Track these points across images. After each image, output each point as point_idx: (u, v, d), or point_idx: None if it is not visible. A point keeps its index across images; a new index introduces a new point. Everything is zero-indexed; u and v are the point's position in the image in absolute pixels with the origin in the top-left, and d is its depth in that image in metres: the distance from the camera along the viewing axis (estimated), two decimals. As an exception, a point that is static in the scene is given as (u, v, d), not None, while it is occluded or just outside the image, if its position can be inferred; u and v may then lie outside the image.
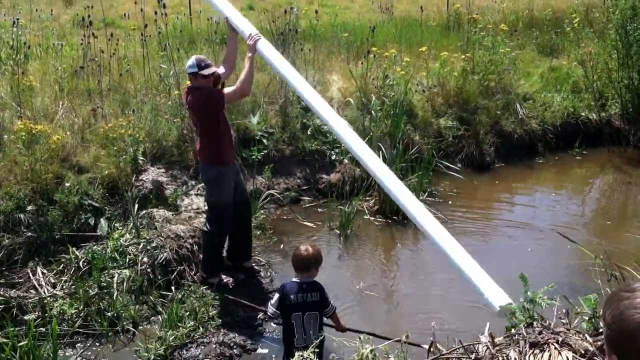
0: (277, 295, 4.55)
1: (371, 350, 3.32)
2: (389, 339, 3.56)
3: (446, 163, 8.64)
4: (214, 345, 5.26)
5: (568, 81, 11.03)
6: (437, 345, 4.17)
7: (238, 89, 5.86)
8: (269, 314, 4.64)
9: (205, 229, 6.03)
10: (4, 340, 4.95)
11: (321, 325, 4.60)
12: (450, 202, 8.26)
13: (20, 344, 4.93)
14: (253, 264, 6.44)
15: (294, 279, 4.61)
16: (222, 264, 6.19)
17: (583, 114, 10.49)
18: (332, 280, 6.36)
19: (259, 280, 6.28)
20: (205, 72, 5.66)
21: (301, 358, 3.29)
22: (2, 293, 5.52)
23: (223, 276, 6.10)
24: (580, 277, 6.26)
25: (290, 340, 4.46)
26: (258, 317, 5.60)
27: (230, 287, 6.01)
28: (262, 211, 7.36)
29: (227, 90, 5.88)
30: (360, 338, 3.52)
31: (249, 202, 6.39)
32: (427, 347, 4.23)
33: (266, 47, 5.76)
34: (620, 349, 1.62)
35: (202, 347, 5.24)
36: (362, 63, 9.60)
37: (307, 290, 4.52)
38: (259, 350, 5.30)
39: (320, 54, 10.55)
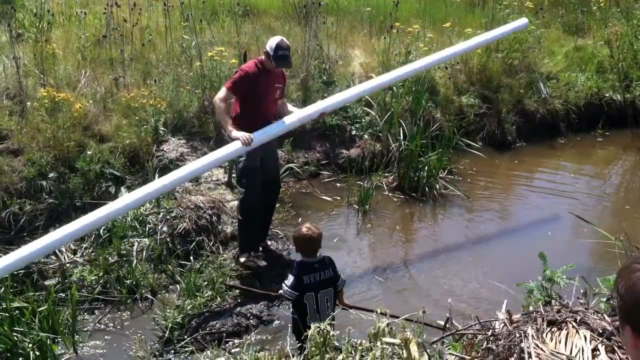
0: (292, 276, 4.44)
1: (387, 324, 3.32)
2: (397, 317, 3.54)
3: (467, 141, 8.57)
4: (231, 315, 5.30)
5: (593, 61, 10.88)
6: (453, 321, 4.19)
7: (214, 105, 5.89)
8: (285, 295, 4.46)
9: (238, 204, 6.03)
10: (24, 304, 5.02)
11: (335, 300, 4.55)
12: (469, 181, 8.23)
13: (40, 308, 5.00)
14: (268, 242, 6.39)
15: (304, 259, 4.54)
16: (252, 241, 6.06)
17: (607, 94, 10.37)
18: (349, 256, 6.41)
19: (276, 252, 6.30)
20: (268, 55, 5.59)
21: (317, 329, 3.29)
22: (23, 258, 5.59)
23: (250, 258, 6.01)
24: (599, 258, 6.24)
25: (302, 320, 4.27)
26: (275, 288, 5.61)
27: (253, 268, 5.94)
28: (281, 184, 7.37)
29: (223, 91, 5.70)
30: (377, 311, 3.52)
31: (277, 182, 6.29)
32: (442, 323, 4.25)
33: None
34: (633, 320, 1.62)
35: (219, 316, 5.28)
36: (384, 38, 9.52)
37: (319, 269, 4.45)
38: (275, 322, 5.33)
39: (342, 28, 10.46)
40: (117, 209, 5.06)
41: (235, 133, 5.45)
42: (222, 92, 5.64)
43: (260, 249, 6.21)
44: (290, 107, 6.05)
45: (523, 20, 7.80)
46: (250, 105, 5.65)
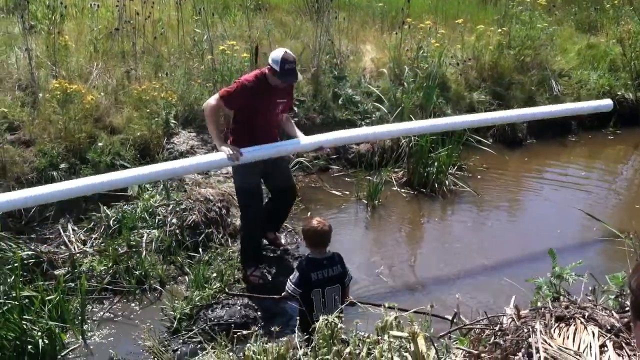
0: (297, 273, 4.43)
1: (395, 318, 3.32)
2: (405, 310, 3.54)
3: (477, 137, 8.55)
4: (239, 307, 5.31)
5: (605, 59, 10.83)
6: (461, 316, 4.19)
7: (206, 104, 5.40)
8: (289, 292, 4.44)
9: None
10: (34, 293, 5.05)
11: (343, 295, 4.54)
12: (479, 177, 8.21)
13: (49, 297, 5.03)
14: (278, 236, 6.29)
15: (311, 255, 4.52)
16: (256, 256, 5.80)
17: (619, 93, 10.31)
18: (358, 251, 6.41)
19: (285, 246, 6.31)
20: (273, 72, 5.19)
21: (325, 321, 3.30)
22: (33, 248, 5.64)
23: (255, 272, 5.70)
24: (608, 256, 6.21)
25: (309, 315, 4.17)
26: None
27: (257, 282, 5.65)
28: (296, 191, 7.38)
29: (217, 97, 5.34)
30: (384, 305, 3.52)
31: (291, 189, 5.94)
32: (450, 317, 4.25)
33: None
34: None
35: (227, 308, 5.29)
36: (396, 34, 9.50)
37: (328, 265, 4.44)
38: (283, 314, 5.33)
39: (354, 23, 10.46)
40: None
41: (223, 148, 5.23)
42: (213, 100, 5.27)
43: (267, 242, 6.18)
44: (293, 126, 5.79)
45: (607, 102, 7.22)
46: (248, 120, 5.35)
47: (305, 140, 5.70)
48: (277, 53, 5.13)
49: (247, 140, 5.35)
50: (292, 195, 5.99)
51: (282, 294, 4.58)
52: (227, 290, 5.34)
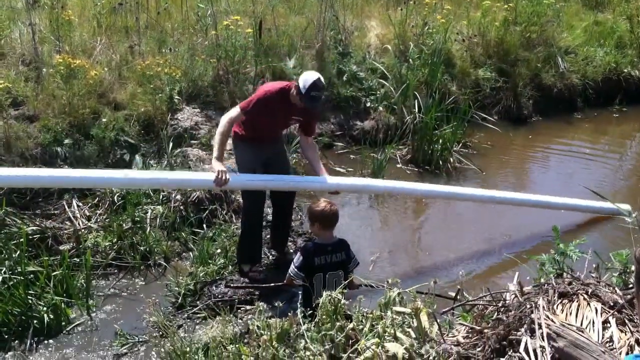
0: (300, 257, 4.41)
1: (398, 294, 3.33)
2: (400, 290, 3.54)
3: (482, 115, 8.53)
4: (243, 284, 5.33)
5: (612, 36, 10.76)
6: (464, 293, 4.20)
7: (222, 119, 5.13)
8: (291, 275, 4.43)
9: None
10: (39, 268, 5.09)
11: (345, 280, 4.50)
12: (484, 154, 8.19)
13: (55, 273, 5.07)
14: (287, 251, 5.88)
15: (317, 241, 4.51)
16: (251, 252, 5.51)
17: (625, 70, 10.27)
18: (361, 230, 6.41)
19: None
20: (299, 96, 4.91)
21: (329, 298, 3.31)
22: (38, 223, 5.65)
23: (254, 268, 5.49)
24: (612, 234, 6.21)
25: (309, 300, 4.17)
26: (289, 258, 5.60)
27: (258, 277, 5.40)
28: (294, 155, 7.36)
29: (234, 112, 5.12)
30: (388, 281, 3.52)
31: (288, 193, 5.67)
32: (453, 294, 4.26)
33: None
34: None
35: (232, 283, 5.31)
36: (401, 9, 9.43)
37: (332, 251, 4.43)
38: (287, 291, 5.34)
39: (359, -2, 10.39)
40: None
41: (215, 166, 4.94)
42: (234, 112, 5.07)
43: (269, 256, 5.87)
44: (316, 158, 5.44)
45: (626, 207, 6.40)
46: (257, 120, 5.13)
47: (326, 181, 5.33)
48: (310, 76, 4.87)
49: (248, 136, 5.23)
50: (290, 200, 5.72)
51: (285, 279, 4.59)
52: (230, 283, 5.32)
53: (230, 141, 5.35)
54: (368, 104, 8.55)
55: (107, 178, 5.09)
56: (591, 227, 6.45)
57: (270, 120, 5.15)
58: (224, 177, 4.88)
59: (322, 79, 4.92)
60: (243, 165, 5.29)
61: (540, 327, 2.94)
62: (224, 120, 5.03)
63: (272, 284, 4.94)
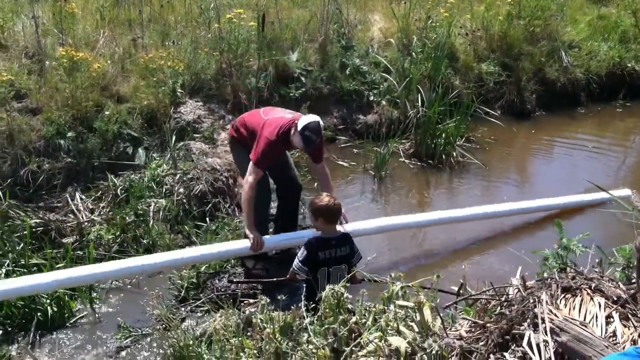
0: (304, 252, 4.42)
1: (401, 288, 3.34)
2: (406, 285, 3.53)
3: (485, 109, 8.51)
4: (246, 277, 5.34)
5: (616, 30, 10.71)
6: (467, 287, 4.20)
7: (244, 185, 5.15)
8: (295, 270, 4.44)
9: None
10: (42, 261, 5.10)
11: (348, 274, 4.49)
12: (487, 149, 8.18)
13: (58, 266, 5.08)
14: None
15: (321, 235, 4.51)
16: (260, 220, 5.30)
17: (629, 64, 10.23)
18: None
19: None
20: (296, 136, 4.99)
21: (331, 291, 3.31)
22: (41, 216, 5.66)
23: (258, 266, 5.49)
24: (615, 228, 6.19)
25: (312, 293, 4.06)
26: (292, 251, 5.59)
27: (261, 274, 5.40)
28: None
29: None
30: (390, 275, 3.53)
31: (295, 184, 5.69)
32: (456, 289, 4.26)
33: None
34: None
35: (234, 278, 5.32)
36: (405, 3, 9.39)
37: (336, 245, 4.44)
38: (290, 285, 5.34)
39: (362, -8, 10.35)
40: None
41: (249, 233, 5.02)
42: (253, 170, 5.04)
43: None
44: (329, 185, 5.38)
45: (626, 193, 6.59)
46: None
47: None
48: (310, 118, 5.00)
49: (250, 143, 5.22)
50: (297, 188, 5.72)
51: (288, 274, 4.60)
52: (232, 278, 5.31)
53: (227, 142, 5.36)
54: (371, 98, 8.53)
55: (161, 262, 5.00)
56: (595, 221, 6.44)
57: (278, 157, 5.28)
58: (259, 242, 4.99)
59: (321, 123, 5.01)
60: (245, 167, 5.24)
61: (543, 321, 2.94)
62: (247, 186, 5.04)
63: (275, 279, 4.95)
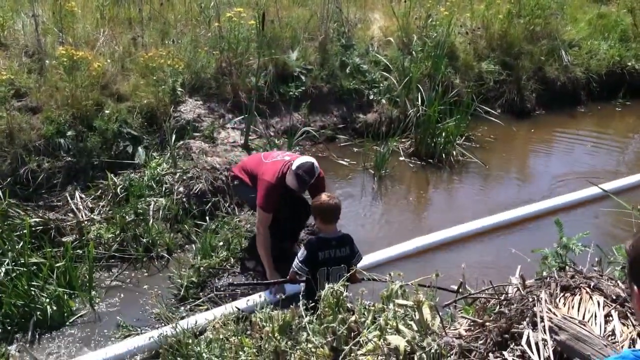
0: (305, 252, 4.41)
1: (400, 286, 3.34)
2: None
3: (485, 108, 8.51)
4: (245, 276, 5.34)
5: (616, 29, 10.71)
6: (466, 286, 4.20)
7: (257, 232, 5.27)
8: (296, 270, 4.45)
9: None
10: (42, 260, 5.10)
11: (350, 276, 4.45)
12: (487, 148, 8.18)
13: (57, 264, 5.09)
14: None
15: (321, 235, 4.50)
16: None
17: (629, 63, 10.22)
18: (364, 221, 6.41)
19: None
20: (290, 175, 5.07)
21: (331, 290, 3.31)
22: (41, 215, 5.66)
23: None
24: (615, 227, 6.20)
25: (312, 293, 4.02)
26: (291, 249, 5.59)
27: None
28: (297, 147, 7.35)
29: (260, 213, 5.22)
30: (390, 274, 3.52)
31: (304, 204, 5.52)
32: (455, 287, 4.26)
33: None
34: (636, 277, 1.62)
35: (234, 277, 5.32)
36: (405, 1, 9.39)
37: (336, 246, 4.43)
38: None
39: (362, -10, 10.35)
40: None
41: (271, 277, 5.07)
42: (261, 216, 5.15)
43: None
44: None
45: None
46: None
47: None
48: (305, 159, 5.11)
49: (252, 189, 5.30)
50: (306, 207, 5.46)
51: (288, 274, 4.60)
52: (232, 281, 5.31)
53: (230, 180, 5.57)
54: (371, 97, 8.52)
55: None
56: (595, 220, 6.44)
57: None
58: (280, 293, 4.84)
59: (315, 165, 5.08)
60: (252, 200, 5.33)
61: (542, 320, 2.94)
62: (260, 232, 5.17)
63: (275, 280, 4.97)
